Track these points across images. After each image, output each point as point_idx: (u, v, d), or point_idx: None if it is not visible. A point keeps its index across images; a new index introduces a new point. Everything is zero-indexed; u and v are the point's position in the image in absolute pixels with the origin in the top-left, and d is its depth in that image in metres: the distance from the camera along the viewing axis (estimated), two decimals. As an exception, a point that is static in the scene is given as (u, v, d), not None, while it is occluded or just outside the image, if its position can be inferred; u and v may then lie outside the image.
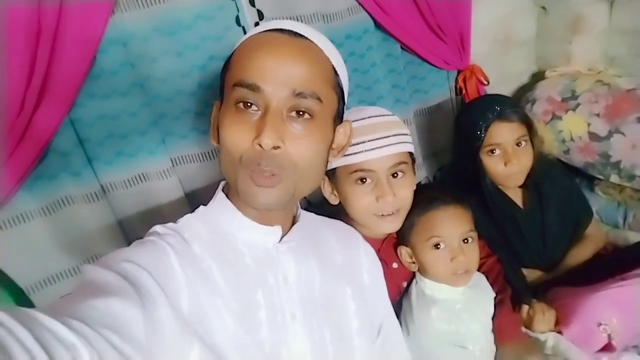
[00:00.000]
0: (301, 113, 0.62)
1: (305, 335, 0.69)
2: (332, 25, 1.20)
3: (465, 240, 0.98)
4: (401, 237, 1.03)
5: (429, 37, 1.35)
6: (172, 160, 1.08)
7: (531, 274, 1.22)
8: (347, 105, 1.23)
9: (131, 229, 1.07)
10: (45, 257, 0.98)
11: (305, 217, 0.81)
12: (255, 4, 1.07)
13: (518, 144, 1.15)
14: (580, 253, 1.25)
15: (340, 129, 0.73)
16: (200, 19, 1.00)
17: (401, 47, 1.35)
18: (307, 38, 0.65)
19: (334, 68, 0.68)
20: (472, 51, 1.45)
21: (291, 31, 0.64)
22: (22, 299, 0.95)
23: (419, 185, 1.03)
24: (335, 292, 0.76)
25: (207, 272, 0.65)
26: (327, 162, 0.72)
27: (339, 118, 0.72)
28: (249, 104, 0.61)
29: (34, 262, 0.97)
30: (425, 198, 1.00)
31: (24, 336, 0.39)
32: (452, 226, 0.97)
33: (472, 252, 0.99)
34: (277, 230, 0.71)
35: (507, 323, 0.99)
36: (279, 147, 0.60)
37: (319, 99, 0.63)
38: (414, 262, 1.01)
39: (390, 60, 1.34)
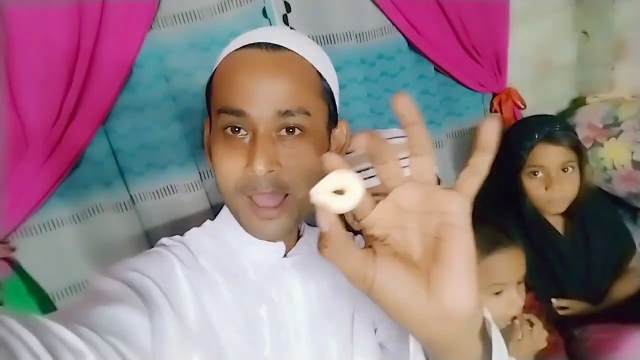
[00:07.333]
0: (291, 130, 0.60)
1: (311, 355, 0.66)
2: (365, 45, 1.20)
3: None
4: None
5: (463, 59, 1.33)
6: (200, 174, 1.09)
7: (576, 306, 1.15)
8: (377, 125, 1.24)
9: (157, 240, 1.05)
10: (72, 263, 1.00)
11: (311, 231, 0.79)
12: (289, 22, 1.08)
13: (564, 169, 1.09)
14: (625, 287, 1.17)
15: (337, 130, 0.70)
16: (235, 36, 1.00)
17: (435, 69, 1.34)
18: (286, 48, 0.61)
19: (319, 73, 0.64)
20: (509, 75, 1.42)
21: (269, 44, 0.60)
22: (47, 305, 0.96)
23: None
24: (342, 307, 0.73)
25: (213, 285, 0.64)
26: None
27: (332, 122, 0.69)
28: (236, 129, 0.60)
29: (61, 269, 0.99)
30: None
31: (31, 342, 0.39)
32: None
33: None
34: (280, 246, 0.69)
35: None
36: (273, 170, 0.58)
37: (307, 113, 0.60)
38: None
39: (423, 82, 1.32)
